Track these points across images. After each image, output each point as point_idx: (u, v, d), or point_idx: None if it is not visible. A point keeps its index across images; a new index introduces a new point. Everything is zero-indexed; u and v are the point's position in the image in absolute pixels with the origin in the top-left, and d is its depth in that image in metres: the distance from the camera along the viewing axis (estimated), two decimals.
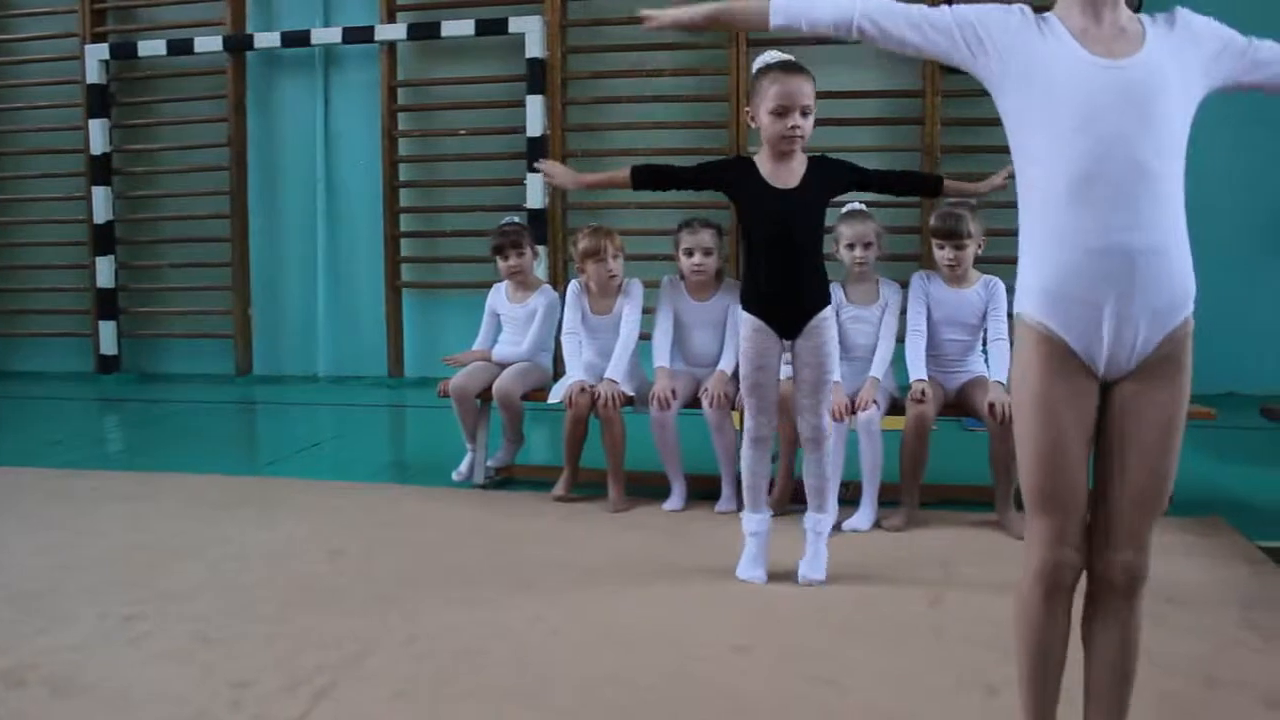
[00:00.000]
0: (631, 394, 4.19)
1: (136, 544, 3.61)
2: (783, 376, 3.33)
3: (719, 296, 4.19)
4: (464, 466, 4.50)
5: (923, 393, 3.80)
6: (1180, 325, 1.78)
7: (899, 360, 3.99)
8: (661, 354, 4.16)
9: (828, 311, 3.21)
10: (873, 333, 4.01)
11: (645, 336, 4.28)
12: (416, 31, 7.35)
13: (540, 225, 6.96)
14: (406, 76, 7.65)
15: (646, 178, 3.33)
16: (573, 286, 4.36)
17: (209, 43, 7.58)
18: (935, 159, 6.76)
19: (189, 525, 3.84)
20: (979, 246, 3.94)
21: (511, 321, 4.60)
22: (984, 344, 4.00)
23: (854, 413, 3.82)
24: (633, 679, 2.49)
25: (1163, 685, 2.43)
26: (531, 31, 7.07)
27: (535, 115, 7.10)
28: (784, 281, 3.15)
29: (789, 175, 3.13)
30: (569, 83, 7.31)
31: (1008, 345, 3.90)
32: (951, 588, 3.15)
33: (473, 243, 6.71)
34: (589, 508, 4.08)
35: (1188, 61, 1.72)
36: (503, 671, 2.54)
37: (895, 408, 3.95)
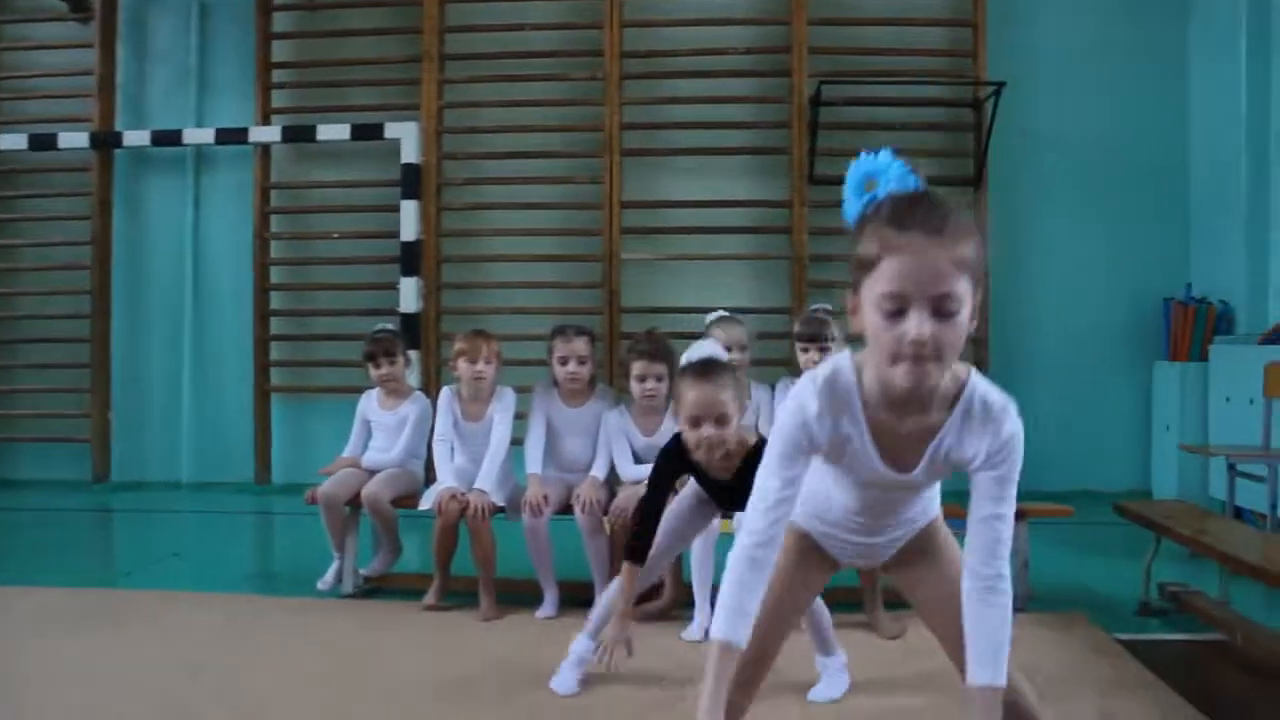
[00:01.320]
0: (502, 504, 4.16)
1: None
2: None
3: (592, 403, 4.22)
4: (330, 575, 4.38)
5: None
6: (925, 525, 1.95)
7: None
8: (534, 460, 4.15)
9: None
10: None
11: (518, 442, 4.27)
12: (291, 134, 7.34)
13: (413, 330, 6.94)
14: (280, 179, 7.61)
15: (641, 549, 3.01)
16: (445, 393, 4.34)
17: (75, 139, 7.43)
18: (804, 265, 6.98)
19: (33, 643, 3.62)
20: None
21: (382, 428, 4.55)
22: None
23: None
24: None
25: None
26: (407, 137, 7.14)
27: (410, 220, 7.13)
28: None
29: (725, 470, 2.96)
30: (444, 188, 7.36)
31: None
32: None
33: (344, 347, 6.63)
34: (461, 616, 3.99)
35: (966, 449, 1.71)
36: None
37: None
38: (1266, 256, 6.44)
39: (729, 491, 2.97)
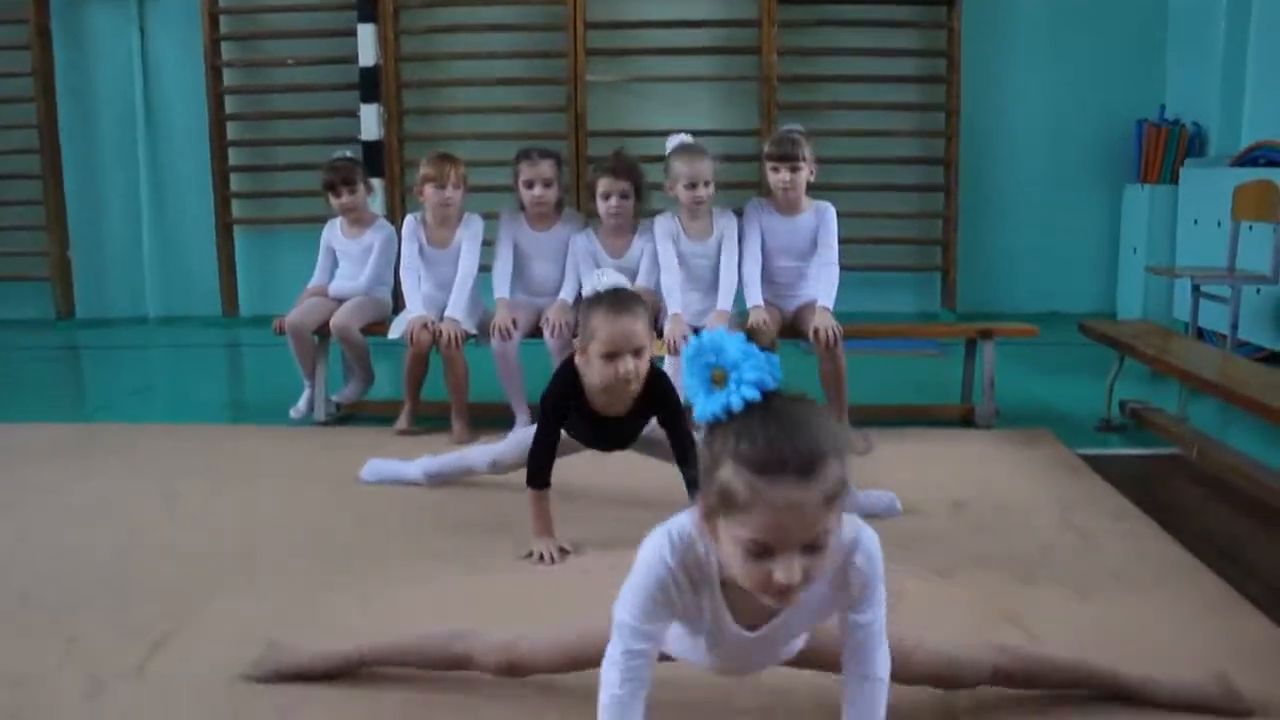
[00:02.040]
0: (473, 330, 4.15)
1: None
2: None
3: (559, 227, 4.17)
4: (302, 403, 4.39)
5: (764, 322, 3.89)
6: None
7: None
8: (502, 285, 4.13)
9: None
10: (712, 266, 4.05)
11: (485, 269, 4.23)
12: None
13: (376, 158, 6.77)
14: (228, 3, 7.27)
15: (541, 475, 2.85)
16: (409, 221, 4.26)
17: None
18: (773, 87, 6.83)
19: (4, 478, 3.61)
20: (811, 173, 4.00)
21: (348, 257, 4.49)
22: None
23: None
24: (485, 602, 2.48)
25: (985, 584, 2.58)
26: None
27: (367, 44, 6.86)
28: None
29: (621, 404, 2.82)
30: (402, 10, 7.08)
31: (836, 270, 4.02)
32: None
33: (306, 177, 6.44)
34: (434, 440, 4.02)
35: (833, 605, 1.60)
36: (348, 610, 2.50)
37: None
38: (1242, 78, 6.35)
39: (615, 430, 2.90)
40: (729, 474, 1.36)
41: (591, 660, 1.63)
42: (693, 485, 2.23)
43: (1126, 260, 7.04)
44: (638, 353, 2.67)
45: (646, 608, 1.52)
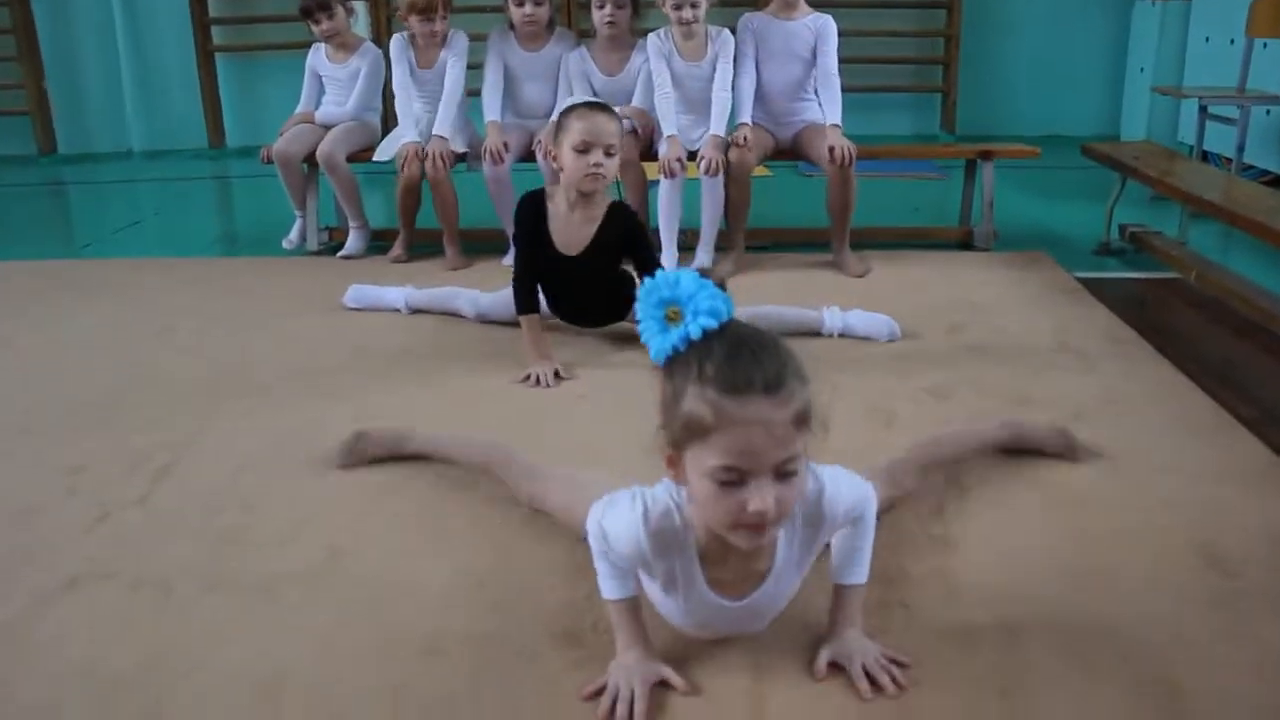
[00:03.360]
0: (462, 149, 4.07)
1: None
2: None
3: (551, 46, 4.04)
4: (294, 234, 4.34)
5: (744, 138, 3.81)
6: None
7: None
8: (492, 108, 4.03)
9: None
10: (707, 88, 3.93)
11: (475, 93, 4.11)
12: None
13: None
14: None
15: (528, 301, 2.91)
16: (396, 41, 4.12)
17: None
18: None
19: (1, 315, 3.59)
20: None
21: (334, 82, 4.35)
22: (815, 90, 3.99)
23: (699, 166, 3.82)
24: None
25: (983, 402, 2.60)
26: None
27: None
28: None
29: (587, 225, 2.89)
30: None
31: (838, 82, 3.91)
32: None
33: (287, 0, 6.24)
34: (428, 266, 4.00)
35: (813, 548, 1.55)
36: (345, 431, 2.51)
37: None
38: None
39: (582, 281, 2.94)
40: (693, 400, 1.30)
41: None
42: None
43: (1133, 80, 6.86)
44: (608, 150, 2.76)
45: (616, 553, 1.51)
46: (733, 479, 1.30)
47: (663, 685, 1.51)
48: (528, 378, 2.79)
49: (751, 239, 4.04)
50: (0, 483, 2.30)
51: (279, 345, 3.19)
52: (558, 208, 2.89)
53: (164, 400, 2.75)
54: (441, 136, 3.99)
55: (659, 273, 1.41)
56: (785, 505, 1.32)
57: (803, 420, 1.32)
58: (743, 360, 1.30)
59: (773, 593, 1.54)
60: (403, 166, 3.98)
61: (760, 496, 1.29)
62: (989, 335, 3.14)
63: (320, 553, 1.94)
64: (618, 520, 1.49)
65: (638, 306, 1.40)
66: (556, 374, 2.79)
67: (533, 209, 2.89)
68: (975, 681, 1.53)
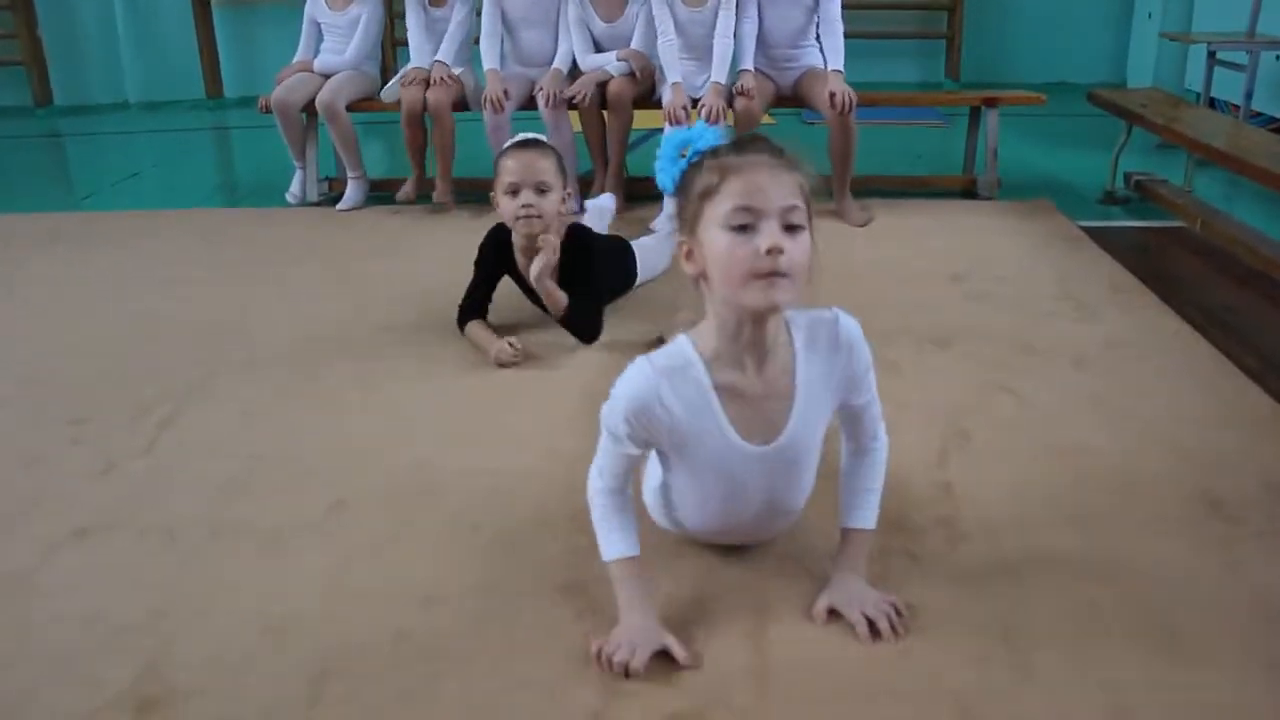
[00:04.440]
0: (460, 67, 4.11)
1: None
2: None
3: None
4: (295, 186, 4.31)
5: (749, 89, 3.78)
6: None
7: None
8: (491, 56, 4.01)
9: None
10: (710, 34, 3.89)
11: (477, 41, 4.08)
12: None
13: None
14: None
15: (464, 318, 2.79)
16: None
17: None
18: None
19: (4, 267, 3.57)
20: None
21: (333, 30, 4.30)
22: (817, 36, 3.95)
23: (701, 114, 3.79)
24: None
25: (984, 351, 2.59)
26: None
27: None
28: None
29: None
30: None
31: (841, 28, 3.87)
32: None
33: None
34: (431, 223, 3.98)
35: (836, 384, 1.55)
36: (345, 381, 2.52)
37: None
38: None
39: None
40: (704, 176, 1.42)
41: None
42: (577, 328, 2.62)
43: (1140, 27, 6.77)
44: (539, 188, 2.62)
45: (618, 437, 1.52)
46: (744, 221, 1.39)
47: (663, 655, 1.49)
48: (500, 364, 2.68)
49: None
50: (5, 435, 2.31)
51: (280, 296, 3.19)
52: (518, 240, 2.76)
53: (166, 351, 2.75)
54: (442, 61, 4.01)
55: (681, 128, 1.57)
56: (795, 258, 1.39)
57: (804, 191, 1.43)
58: (747, 140, 1.46)
59: (800, 433, 1.55)
60: (405, 86, 4.02)
61: (770, 234, 1.37)
62: (991, 284, 3.13)
63: (323, 501, 1.96)
64: (624, 379, 1.53)
65: (659, 153, 1.54)
66: (510, 344, 2.66)
67: (494, 246, 2.80)
68: (978, 626, 1.54)
